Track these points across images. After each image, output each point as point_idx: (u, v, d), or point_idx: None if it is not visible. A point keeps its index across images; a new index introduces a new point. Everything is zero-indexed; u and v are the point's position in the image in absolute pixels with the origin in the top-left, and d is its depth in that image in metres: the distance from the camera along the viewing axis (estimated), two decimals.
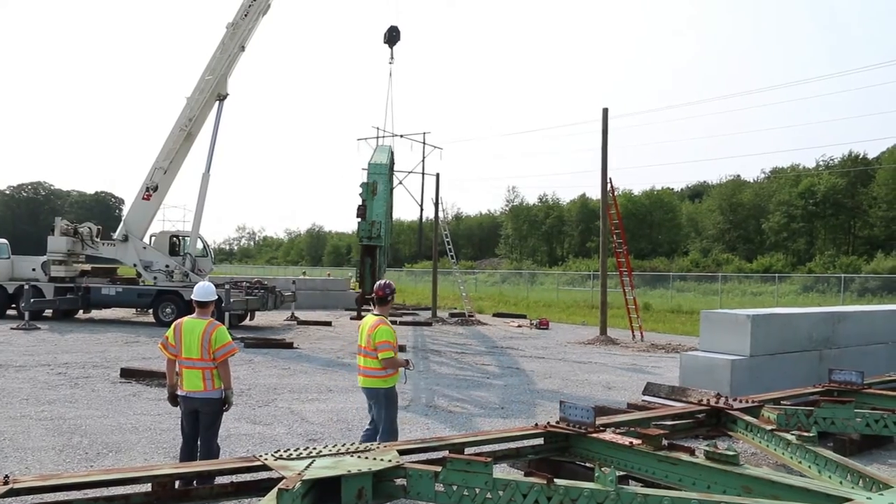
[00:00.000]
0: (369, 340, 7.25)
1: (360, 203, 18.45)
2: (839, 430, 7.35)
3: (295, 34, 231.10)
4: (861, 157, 63.34)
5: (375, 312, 7.58)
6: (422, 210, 46.62)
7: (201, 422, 6.47)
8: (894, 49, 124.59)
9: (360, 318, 17.85)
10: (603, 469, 4.45)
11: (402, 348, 18.19)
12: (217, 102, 23.77)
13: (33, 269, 24.31)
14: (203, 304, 6.68)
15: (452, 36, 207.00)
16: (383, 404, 7.36)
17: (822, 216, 61.40)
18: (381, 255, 20.20)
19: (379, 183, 19.27)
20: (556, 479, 4.47)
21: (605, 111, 22.96)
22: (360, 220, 18.18)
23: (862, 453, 8.44)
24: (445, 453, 5.45)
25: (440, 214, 33.71)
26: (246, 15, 23.18)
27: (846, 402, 7.40)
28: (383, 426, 7.38)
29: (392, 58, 29.07)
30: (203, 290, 6.74)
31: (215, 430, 6.56)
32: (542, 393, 12.68)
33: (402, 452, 5.21)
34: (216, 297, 6.82)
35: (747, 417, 6.93)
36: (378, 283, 7.76)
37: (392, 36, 28.72)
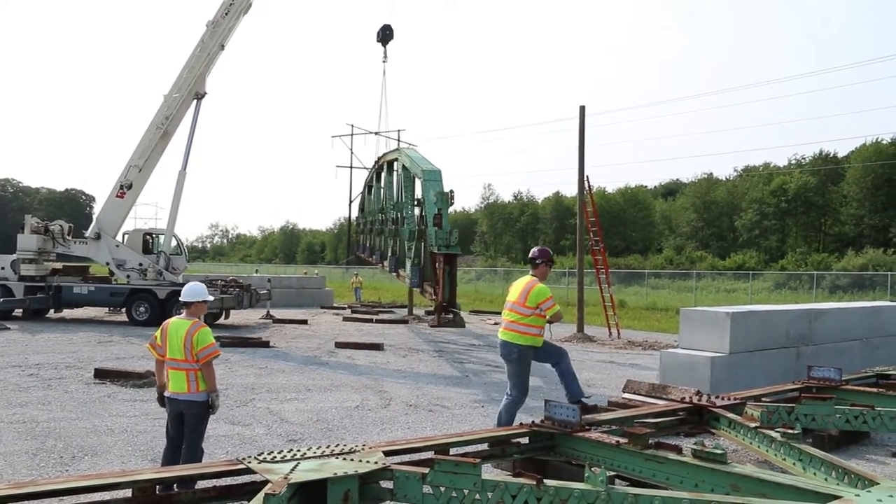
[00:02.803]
0: (526, 296, 7.77)
1: (436, 212, 18.26)
2: (820, 427, 7.37)
3: (269, 32, 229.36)
4: (831, 155, 64.32)
5: (532, 274, 8.21)
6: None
7: (186, 424, 6.35)
8: (864, 50, 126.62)
9: (439, 325, 17.67)
10: (593, 469, 4.41)
11: (379, 346, 18.15)
12: (195, 101, 23.51)
13: (2, 268, 23.92)
14: (188, 305, 6.54)
15: (428, 34, 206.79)
16: (514, 360, 7.81)
17: (794, 214, 62.23)
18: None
19: (453, 191, 19.06)
20: (545, 480, 4.42)
21: (583, 109, 22.98)
22: (436, 228, 17.94)
23: (840, 448, 8.51)
24: (431, 454, 5.40)
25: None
26: (227, 13, 22.89)
27: (826, 398, 7.43)
28: (513, 382, 7.87)
29: (385, 56, 29.02)
30: (189, 290, 6.62)
31: (200, 434, 6.43)
32: None
33: (387, 453, 5.13)
34: (204, 298, 6.65)
35: (730, 415, 6.94)
36: (534, 248, 8.49)
37: (386, 35, 28.68)
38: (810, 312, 12.26)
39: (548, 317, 7.80)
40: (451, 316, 17.31)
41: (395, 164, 25.01)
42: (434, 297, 18.20)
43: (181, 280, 24.19)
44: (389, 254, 24.98)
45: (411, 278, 20.74)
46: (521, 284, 7.99)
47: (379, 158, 27.83)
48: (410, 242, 21.66)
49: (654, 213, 77.23)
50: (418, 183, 22.05)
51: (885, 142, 58.36)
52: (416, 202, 20.79)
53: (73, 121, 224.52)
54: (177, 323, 6.47)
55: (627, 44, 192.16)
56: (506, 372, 8.23)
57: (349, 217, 34.46)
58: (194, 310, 6.56)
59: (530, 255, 8.40)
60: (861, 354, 12.76)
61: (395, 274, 25.42)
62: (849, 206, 59.47)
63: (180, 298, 6.69)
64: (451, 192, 18.90)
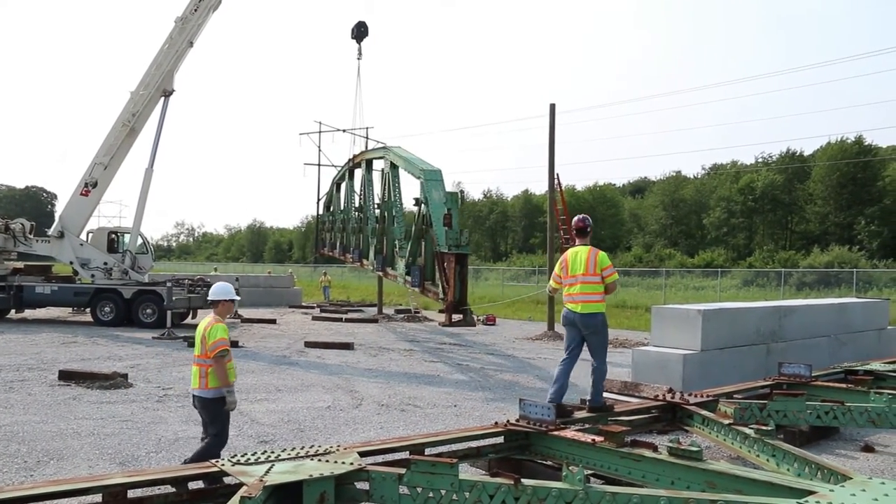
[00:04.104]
0: (595, 263, 7.62)
1: (445, 212, 18.20)
2: (791, 423, 7.45)
3: (237, 28, 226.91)
4: (797, 154, 65.24)
5: (578, 244, 8.00)
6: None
7: (202, 420, 6.61)
8: (829, 50, 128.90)
9: (451, 324, 17.59)
10: (571, 468, 4.39)
11: (349, 346, 18.04)
12: (162, 98, 23.19)
13: None
14: (215, 304, 6.74)
15: (396, 31, 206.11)
16: (601, 331, 7.69)
17: (761, 212, 63.10)
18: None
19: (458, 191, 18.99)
20: (523, 480, 4.40)
21: (553, 107, 23.04)
22: (446, 228, 17.90)
23: (811, 444, 8.58)
24: (406, 454, 5.35)
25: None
26: (196, 10, 22.59)
27: (797, 395, 7.51)
28: (598, 351, 7.70)
29: (360, 54, 28.68)
30: (215, 289, 6.86)
31: (215, 431, 6.53)
32: (494, 389, 12.65)
33: (362, 454, 5.08)
34: (229, 296, 6.79)
35: (703, 412, 6.98)
36: (576, 217, 8.29)
37: (360, 32, 28.37)
38: (780, 309, 12.40)
39: (608, 282, 7.63)
40: (461, 316, 17.37)
41: (380, 162, 24.61)
42: (442, 297, 18.16)
43: (147, 279, 23.84)
44: (372, 253, 24.66)
45: (411, 278, 20.54)
46: (584, 253, 7.72)
47: (356, 156, 27.38)
48: (405, 242, 21.46)
49: (622, 212, 77.82)
50: (405, 181, 22.00)
51: (849, 141, 59.36)
52: (416, 201, 20.62)
53: (35, 117, 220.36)
54: (204, 321, 6.66)
55: (596, 42, 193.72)
56: (566, 343, 7.93)
57: (317, 215, 34.06)
58: (221, 309, 6.71)
59: (580, 226, 8.08)
60: (829, 350, 12.93)
61: (380, 273, 25.14)
62: (814, 204, 60.43)
63: (207, 297, 6.96)
64: (461, 191, 18.93)
